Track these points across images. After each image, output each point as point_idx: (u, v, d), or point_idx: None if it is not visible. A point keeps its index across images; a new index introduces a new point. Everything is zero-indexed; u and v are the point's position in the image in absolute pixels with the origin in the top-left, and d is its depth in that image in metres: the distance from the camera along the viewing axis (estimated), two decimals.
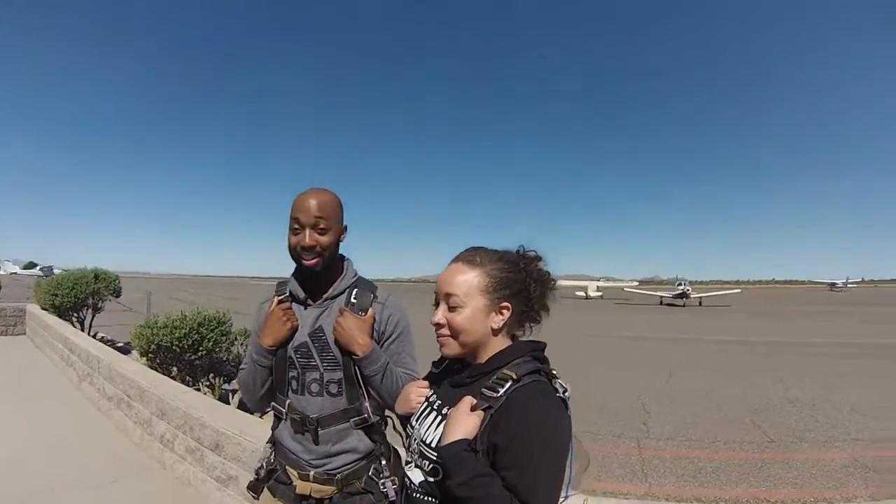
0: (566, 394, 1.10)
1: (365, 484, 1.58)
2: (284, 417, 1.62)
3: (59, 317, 9.26)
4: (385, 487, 1.56)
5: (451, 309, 1.17)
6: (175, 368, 5.70)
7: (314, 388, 1.57)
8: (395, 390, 1.53)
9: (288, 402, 1.60)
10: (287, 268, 1.70)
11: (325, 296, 1.61)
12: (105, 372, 5.17)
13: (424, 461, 1.14)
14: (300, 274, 1.63)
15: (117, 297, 10.57)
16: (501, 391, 1.05)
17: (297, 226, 1.51)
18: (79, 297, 9.61)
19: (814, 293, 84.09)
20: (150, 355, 5.54)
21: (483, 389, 1.08)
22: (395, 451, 1.69)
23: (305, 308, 1.62)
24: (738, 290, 63.21)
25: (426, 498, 1.13)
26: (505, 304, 1.17)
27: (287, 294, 1.63)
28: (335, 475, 1.55)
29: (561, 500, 1.04)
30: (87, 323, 9.97)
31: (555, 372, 1.15)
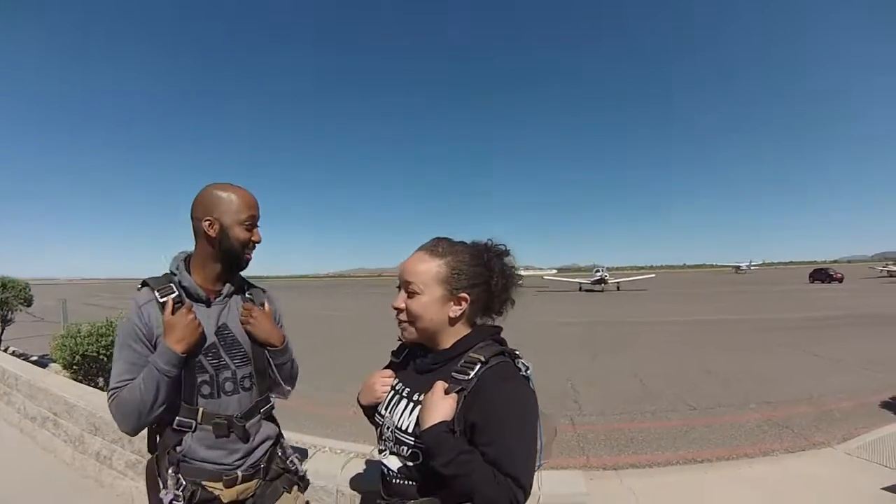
0: (528, 372, 1.23)
1: (279, 464, 1.69)
2: (194, 429, 1.50)
3: None
4: (294, 465, 1.72)
5: (410, 296, 1.24)
6: (101, 379, 5.33)
7: (228, 387, 1.55)
8: (295, 374, 1.74)
9: (200, 410, 1.50)
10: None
11: (223, 293, 1.60)
12: (25, 389, 4.72)
13: (402, 447, 1.21)
14: (235, 269, 1.63)
15: (28, 306, 9.61)
16: (472, 373, 1.15)
17: (250, 222, 1.56)
18: None
19: (721, 275, 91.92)
20: (74, 367, 5.14)
21: (453, 373, 1.17)
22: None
23: (209, 306, 1.57)
24: (653, 275, 66.98)
25: (405, 482, 1.21)
26: (463, 294, 1.24)
27: (176, 293, 1.50)
28: (259, 465, 1.62)
29: (536, 468, 1.17)
30: None
31: (517, 352, 1.27)
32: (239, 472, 1.55)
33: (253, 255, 1.62)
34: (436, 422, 1.09)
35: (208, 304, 1.56)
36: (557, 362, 10.48)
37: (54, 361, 5.56)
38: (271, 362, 1.63)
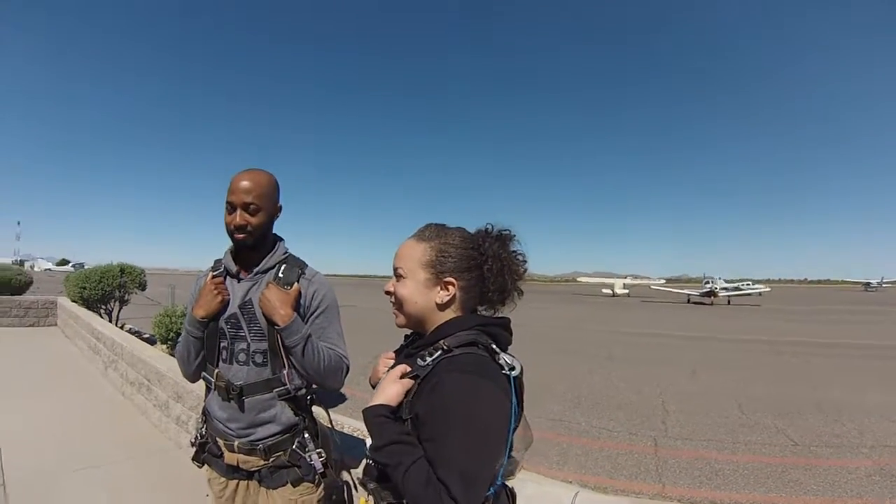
0: (512, 371, 1.04)
1: (290, 457, 1.66)
2: (213, 387, 1.71)
3: (88, 309, 9.54)
4: (312, 460, 1.64)
5: (398, 280, 1.20)
6: None
7: (241, 357, 1.66)
8: (317, 363, 1.61)
9: (216, 371, 1.68)
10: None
11: (255, 270, 1.70)
12: (128, 358, 5.35)
13: None
14: (235, 250, 1.75)
15: (143, 290, 10.84)
16: (429, 360, 1.04)
17: (230, 206, 1.63)
18: (106, 290, 9.93)
19: (847, 293, 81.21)
20: (168, 342, 5.71)
21: (418, 359, 1.07)
22: (321, 425, 1.78)
23: (238, 282, 1.71)
24: (768, 289, 61.38)
25: (373, 464, 1.13)
26: (449, 279, 1.15)
27: (221, 269, 1.75)
28: (258, 446, 1.64)
29: (496, 484, 0.99)
30: (114, 315, 10.26)
31: (497, 348, 1.09)
32: (236, 442, 1.66)
33: (251, 237, 1.64)
34: (376, 404, 1.03)
35: (238, 279, 1.72)
36: (652, 376, 9.88)
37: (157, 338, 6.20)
38: (280, 342, 1.62)
